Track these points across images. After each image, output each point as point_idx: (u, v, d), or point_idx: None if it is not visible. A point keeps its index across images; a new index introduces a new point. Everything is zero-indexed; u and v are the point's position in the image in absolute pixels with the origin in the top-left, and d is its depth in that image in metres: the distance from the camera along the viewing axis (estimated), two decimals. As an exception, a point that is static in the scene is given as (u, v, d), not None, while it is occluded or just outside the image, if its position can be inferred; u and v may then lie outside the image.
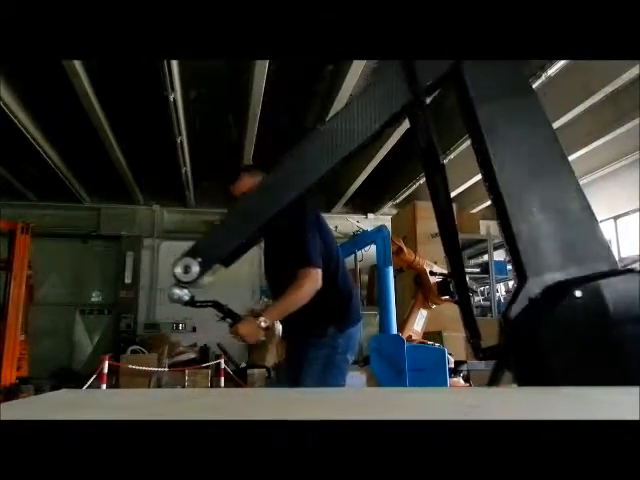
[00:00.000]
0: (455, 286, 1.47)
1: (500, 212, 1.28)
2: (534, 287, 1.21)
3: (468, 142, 6.94)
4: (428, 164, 1.48)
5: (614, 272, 1.22)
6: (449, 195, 1.48)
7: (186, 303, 1.79)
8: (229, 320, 2.11)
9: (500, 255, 7.30)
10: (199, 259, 1.50)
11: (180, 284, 1.55)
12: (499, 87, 1.34)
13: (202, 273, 1.51)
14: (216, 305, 2.09)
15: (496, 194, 1.28)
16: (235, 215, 1.62)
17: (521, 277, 1.24)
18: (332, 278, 2.32)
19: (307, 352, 2.25)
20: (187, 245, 1.54)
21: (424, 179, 1.56)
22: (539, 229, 1.26)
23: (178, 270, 1.51)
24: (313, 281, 2.14)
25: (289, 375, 2.39)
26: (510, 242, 1.27)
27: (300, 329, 2.34)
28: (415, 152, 1.50)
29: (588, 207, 1.29)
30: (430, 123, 1.42)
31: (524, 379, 1.21)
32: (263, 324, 2.07)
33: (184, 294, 1.71)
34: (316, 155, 1.41)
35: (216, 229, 2.04)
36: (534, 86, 5.45)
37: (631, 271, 1.26)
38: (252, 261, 8.30)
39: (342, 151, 1.39)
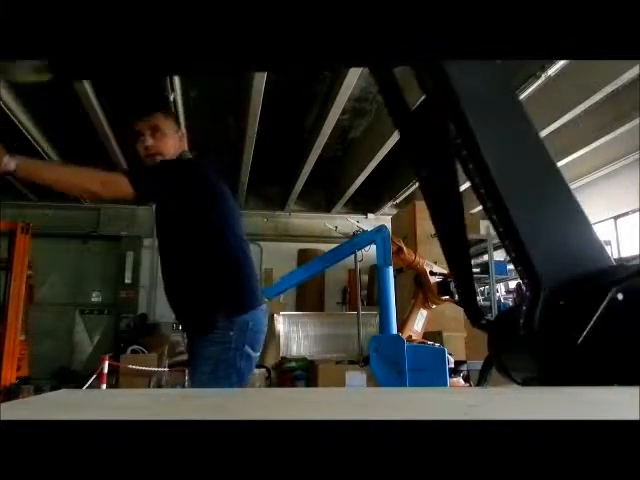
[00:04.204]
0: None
1: (502, 217, 1.21)
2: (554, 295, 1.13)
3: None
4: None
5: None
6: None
7: None
8: None
9: (500, 255, 7.30)
10: None
11: None
12: (486, 90, 1.28)
13: None
14: None
15: (496, 198, 1.21)
16: None
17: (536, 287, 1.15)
18: (213, 250, 1.98)
19: (198, 350, 1.99)
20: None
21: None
22: (545, 232, 1.20)
23: None
24: (113, 183, 1.80)
25: (190, 374, 2.15)
26: (517, 248, 1.19)
27: (188, 321, 2.08)
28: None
29: (581, 209, 1.24)
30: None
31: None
32: (9, 160, 1.61)
33: None
34: None
35: None
36: (533, 86, 5.46)
37: None
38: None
39: None
